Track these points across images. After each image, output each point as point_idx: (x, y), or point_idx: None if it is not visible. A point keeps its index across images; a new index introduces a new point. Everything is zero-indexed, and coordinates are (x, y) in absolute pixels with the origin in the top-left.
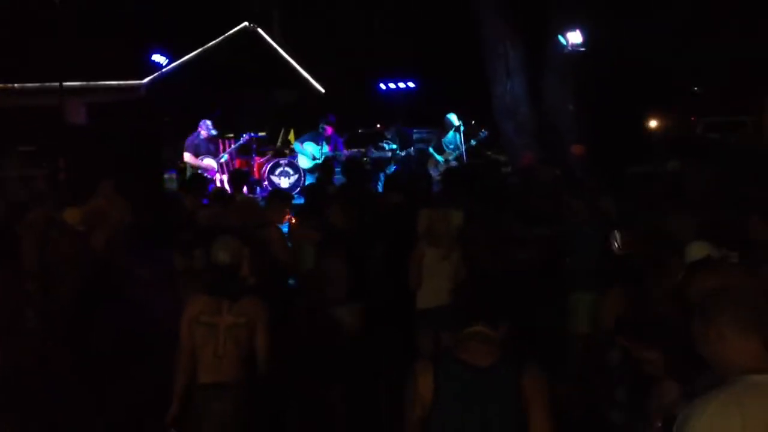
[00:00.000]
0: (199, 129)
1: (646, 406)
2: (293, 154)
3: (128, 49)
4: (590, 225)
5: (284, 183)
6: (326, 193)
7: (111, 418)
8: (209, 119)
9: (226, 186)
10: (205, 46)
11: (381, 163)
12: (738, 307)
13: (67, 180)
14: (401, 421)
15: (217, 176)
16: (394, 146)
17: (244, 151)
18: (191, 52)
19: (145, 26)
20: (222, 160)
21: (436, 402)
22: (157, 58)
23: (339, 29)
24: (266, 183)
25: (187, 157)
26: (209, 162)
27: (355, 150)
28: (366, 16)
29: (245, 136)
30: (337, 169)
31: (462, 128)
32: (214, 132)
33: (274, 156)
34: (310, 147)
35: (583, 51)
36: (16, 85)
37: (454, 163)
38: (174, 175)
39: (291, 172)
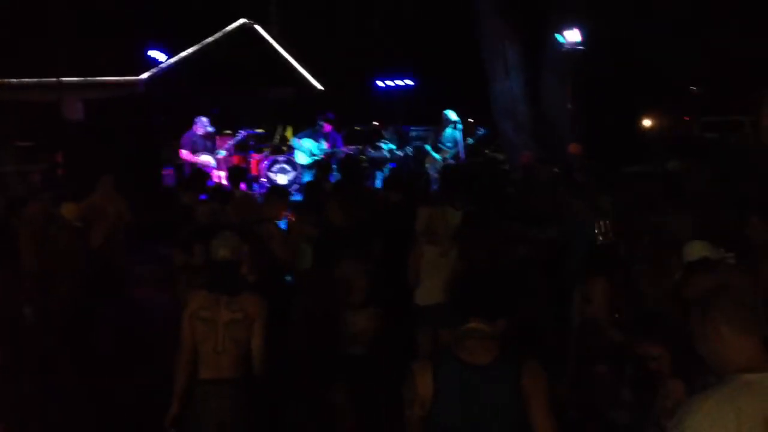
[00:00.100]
0: (195, 126)
1: (652, 406)
2: (290, 151)
3: (126, 46)
4: (589, 224)
5: (282, 180)
6: (324, 190)
7: (110, 417)
8: (206, 116)
9: (224, 182)
10: (203, 43)
11: (378, 163)
12: (735, 307)
13: (65, 175)
14: (401, 420)
15: (215, 173)
16: (392, 146)
17: (241, 148)
18: (189, 48)
19: (143, 23)
20: (219, 157)
21: (436, 401)
22: (155, 54)
23: (337, 27)
24: (264, 180)
25: (184, 153)
26: (206, 158)
27: (353, 147)
28: (364, 13)
29: (242, 133)
30: (335, 167)
31: (459, 125)
32: (210, 129)
33: (272, 153)
34: (308, 143)
35: (581, 50)
36: (14, 80)
37: (451, 162)
38: (171, 172)
39: (289, 168)
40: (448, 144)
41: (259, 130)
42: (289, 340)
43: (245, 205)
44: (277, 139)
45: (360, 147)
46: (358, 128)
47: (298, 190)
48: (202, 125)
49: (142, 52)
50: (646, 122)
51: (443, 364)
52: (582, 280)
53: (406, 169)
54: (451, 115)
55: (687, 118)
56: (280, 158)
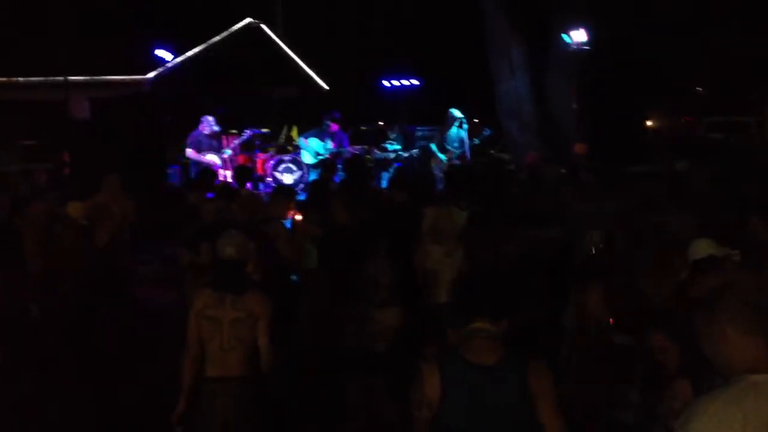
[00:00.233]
0: (201, 125)
1: (659, 406)
2: (296, 150)
3: (133, 45)
4: (593, 224)
5: (288, 179)
6: (329, 189)
7: (113, 417)
8: (212, 115)
9: (230, 181)
10: (209, 42)
11: (384, 163)
12: (741, 307)
13: (71, 175)
14: (409, 421)
15: (221, 172)
16: (398, 147)
17: (247, 148)
18: (195, 47)
19: (149, 22)
20: (225, 156)
21: (443, 402)
22: (161, 53)
23: (342, 26)
24: (270, 179)
25: (190, 152)
26: (212, 158)
27: (359, 147)
28: (370, 13)
29: (248, 132)
30: (341, 167)
31: (464, 123)
32: (216, 128)
33: (278, 152)
34: (314, 143)
35: (587, 50)
36: (20, 79)
37: (456, 162)
38: (177, 171)
39: (294, 168)
40: (454, 144)
41: (265, 130)
42: (294, 339)
43: (251, 204)
44: (282, 138)
45: (366, 147)
46: (364, 128)
47: (303, 190)
48: (208, 124)
49: (148, 51)
50: (651, 122)
51: (450, 366)
52: (576, 289)
53: (411, 170)
54: (456, 113)
55: (689, 119)
56: (286, 158)
